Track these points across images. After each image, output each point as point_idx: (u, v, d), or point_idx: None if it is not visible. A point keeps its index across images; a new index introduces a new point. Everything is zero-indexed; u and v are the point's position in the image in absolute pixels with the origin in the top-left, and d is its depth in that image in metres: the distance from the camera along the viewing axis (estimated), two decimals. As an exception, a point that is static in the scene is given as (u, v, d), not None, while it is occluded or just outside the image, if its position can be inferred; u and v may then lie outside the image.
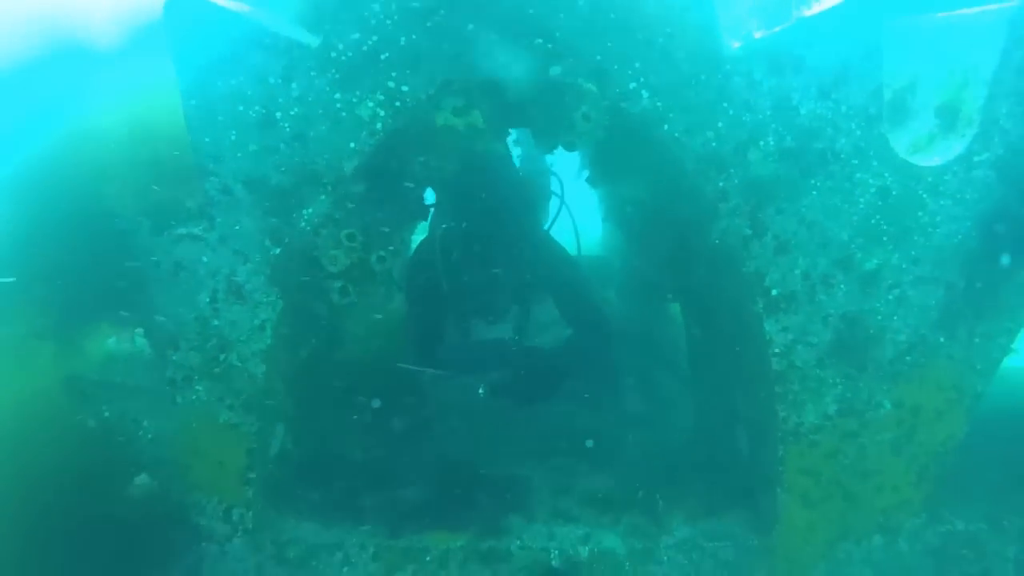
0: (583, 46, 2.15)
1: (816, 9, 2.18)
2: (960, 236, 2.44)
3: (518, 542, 2.84)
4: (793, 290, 2.44)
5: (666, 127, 2.23)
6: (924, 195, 2.39)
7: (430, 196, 2.99)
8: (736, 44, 2.17)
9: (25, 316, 2.42)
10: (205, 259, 2.33)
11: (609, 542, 2.88)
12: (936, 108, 2.51)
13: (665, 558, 2.85)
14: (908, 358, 2.59)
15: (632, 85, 2.18)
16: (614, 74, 2.18)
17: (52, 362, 2.50)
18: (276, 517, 2.80)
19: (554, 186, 3.67)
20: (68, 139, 2.31)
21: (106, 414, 2.59)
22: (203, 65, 2.14)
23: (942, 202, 2.41)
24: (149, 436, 2.60)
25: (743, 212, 2.35)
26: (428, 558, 2.80)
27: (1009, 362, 2.83)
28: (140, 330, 2.54)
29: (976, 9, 2.51)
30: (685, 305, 3.15)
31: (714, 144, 2.26)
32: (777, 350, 2.51)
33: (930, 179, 2.38)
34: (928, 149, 2.49)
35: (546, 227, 3.54)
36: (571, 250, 3.75)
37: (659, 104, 2.21)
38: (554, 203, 3.58)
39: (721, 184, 2.31)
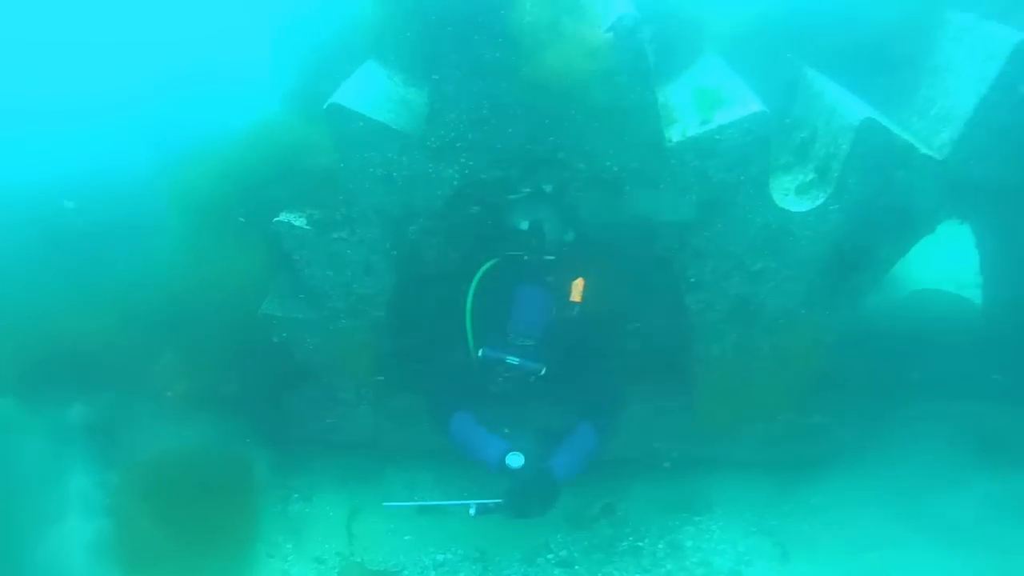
0: (579, 143, 3.52)
1: (726, 119, 3.45)
2: (818, 252, 3.82)
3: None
4: (704, 279, 3.91)
5: (627, 187, 3.62)
6: (794, 228, 3.74)
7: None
8: (673, 139, 3.50)
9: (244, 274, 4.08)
10: (349, 252, 3.91)
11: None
12: (815, 166, 3.80)
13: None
14: (781, 321, 4.08)
15: (607, 163, 3.56)
16: (596, 157, 3.55)
17: (255, 303, 4.20)
18: (387, 392, 4.52)
19: None
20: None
21: (284, 335, 4.26)
22: (351, 144, 3.58)
23: (807, 232, 3.75)
24: (311, 347, 4.31)
25: (674, 235, 3.78)
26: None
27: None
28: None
29: (849, 97, 3.69)
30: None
31: (657, 197, 3.65)
32: (693, 312, 4.03)
33: (799, 219, 3.72)
34: (806, 192, 3.80)
35: None
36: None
37: (623, 174, 3.59)
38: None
39: (661, 219, 3.72)
